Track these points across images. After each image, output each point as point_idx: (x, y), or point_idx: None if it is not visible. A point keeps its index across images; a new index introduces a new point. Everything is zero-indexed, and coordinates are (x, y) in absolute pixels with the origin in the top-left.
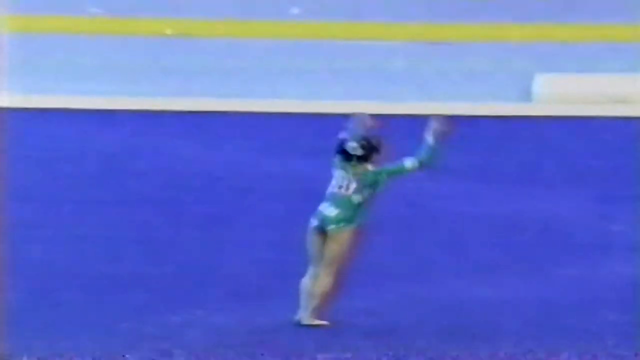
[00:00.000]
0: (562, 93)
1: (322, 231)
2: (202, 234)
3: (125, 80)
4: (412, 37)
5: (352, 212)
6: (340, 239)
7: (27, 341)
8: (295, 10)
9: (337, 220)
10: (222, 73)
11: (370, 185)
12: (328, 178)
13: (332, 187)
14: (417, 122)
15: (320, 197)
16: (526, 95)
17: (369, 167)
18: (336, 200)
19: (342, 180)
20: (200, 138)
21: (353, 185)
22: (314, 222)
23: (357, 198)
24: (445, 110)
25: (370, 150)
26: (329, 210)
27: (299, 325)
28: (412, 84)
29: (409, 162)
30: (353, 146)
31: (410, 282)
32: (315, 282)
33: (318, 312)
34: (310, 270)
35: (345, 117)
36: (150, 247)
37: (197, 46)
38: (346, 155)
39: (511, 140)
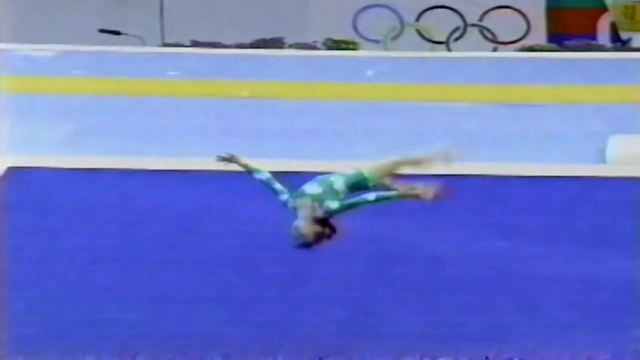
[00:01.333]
0: (636, 154)
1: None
2: (278, 294)
3: (201, 142)
4: (487, 99)
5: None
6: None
7: None
8: (369, 73)
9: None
10: (297, 134)
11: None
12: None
13: None
14: (491, 182)
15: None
16: (600, 156)
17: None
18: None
19: None
20: (277, 198)
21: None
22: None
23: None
24: (520, 171)
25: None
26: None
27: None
28: (487, 145)
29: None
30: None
31: (485, 343)
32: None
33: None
34: None
35: (420, 177)
36: (226, 307)
37: (273, 108)
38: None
39: (585, 201)
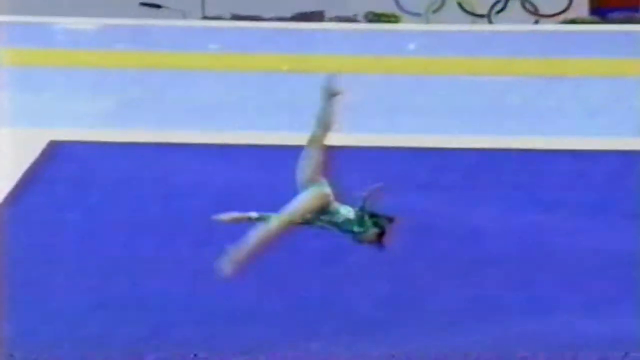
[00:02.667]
0: None
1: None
2: (318, 268)
3: (240, 116)
4: (528, 72)
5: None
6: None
7: None
8: (411, 46)
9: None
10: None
11: None
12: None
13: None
14: (533, 156)
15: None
16: None
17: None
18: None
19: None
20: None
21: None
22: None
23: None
24: (562, 145)
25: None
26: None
27: None
28: (529, 118)
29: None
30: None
31: (527, 318)
32: None
33: None
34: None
35: (462, 151)
36: (266, 281)
37: (313, 82)
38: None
39: (628, 175)
